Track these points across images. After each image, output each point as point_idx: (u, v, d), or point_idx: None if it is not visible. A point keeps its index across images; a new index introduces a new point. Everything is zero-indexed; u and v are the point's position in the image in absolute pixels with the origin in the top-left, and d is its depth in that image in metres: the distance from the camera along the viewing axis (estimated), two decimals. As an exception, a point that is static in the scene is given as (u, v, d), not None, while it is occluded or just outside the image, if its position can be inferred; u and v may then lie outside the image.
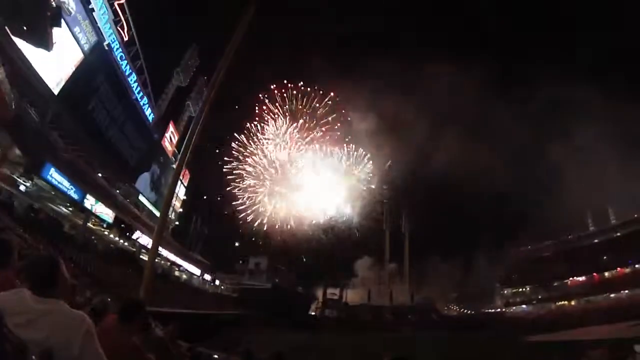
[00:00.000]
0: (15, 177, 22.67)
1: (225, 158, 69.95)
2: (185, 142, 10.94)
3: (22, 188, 23.68)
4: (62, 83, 25.77)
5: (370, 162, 75.22)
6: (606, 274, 59.25)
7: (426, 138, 75.85)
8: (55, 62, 24.25)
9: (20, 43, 20.29)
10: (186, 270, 50.29)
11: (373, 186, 75.91)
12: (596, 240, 65.20)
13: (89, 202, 27.65)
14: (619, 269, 57.73)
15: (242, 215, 72.49)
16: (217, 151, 70.14)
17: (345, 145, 73.89)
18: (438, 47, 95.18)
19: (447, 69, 71.36)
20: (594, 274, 60.64)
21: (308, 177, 71.91)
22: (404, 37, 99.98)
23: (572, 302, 60.28)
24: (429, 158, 76.19)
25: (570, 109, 68.56)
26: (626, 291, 53.63)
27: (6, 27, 18.59)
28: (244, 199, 71.89)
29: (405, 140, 75.68)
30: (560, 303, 62.14)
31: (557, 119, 74.12)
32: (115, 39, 33.49)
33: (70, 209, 28.89)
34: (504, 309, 69.89)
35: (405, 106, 73.82)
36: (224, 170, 70.24)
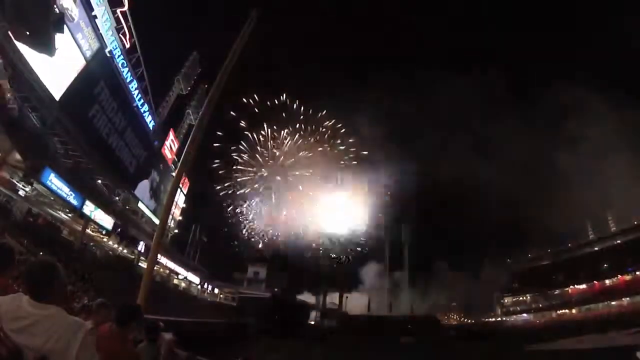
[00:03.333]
0: (15, 182, 22.61)
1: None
2: (185, 150, 10.93)
3: (21, 193, 23.60)
4: (64, 89, 25.86)
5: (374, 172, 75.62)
6: (607, 281, 58.90)
7: (428, 149, 76.29)
8: (57, 67, 24.40)
9: (22, 48, 20.42)
10: (185, 278, 49.97)
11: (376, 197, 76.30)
12: (596, 248, 64.93)
13: (88, 208, 27.56)
14: (619, 276, 57.38)
15: (242, 224, 72.55)
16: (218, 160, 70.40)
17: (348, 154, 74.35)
18: (438, 59, 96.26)
19: (449, 79, 72.01)
20: (595, 281, 60.30)
21: (312, 187, 72.16)
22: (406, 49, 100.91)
23: (573, 310, 59.85)
24: (431, 169, 76.61)
25: (572, 117, 69.12)
26: (627, 298, 53.29)
27: (9, 32, 18.73)
28: (245, 206, 72.04)
29: (407, 151, 76.28)
30: (560, 311, 61.70)
31: (558, 127, 74.32)
32: (117, 46, 33.74)
33: (70, 214, 28.75)
34: (504, 318, 69.37)
35: (407, 116, 74.38)
36: (226, 176, 70.47)
